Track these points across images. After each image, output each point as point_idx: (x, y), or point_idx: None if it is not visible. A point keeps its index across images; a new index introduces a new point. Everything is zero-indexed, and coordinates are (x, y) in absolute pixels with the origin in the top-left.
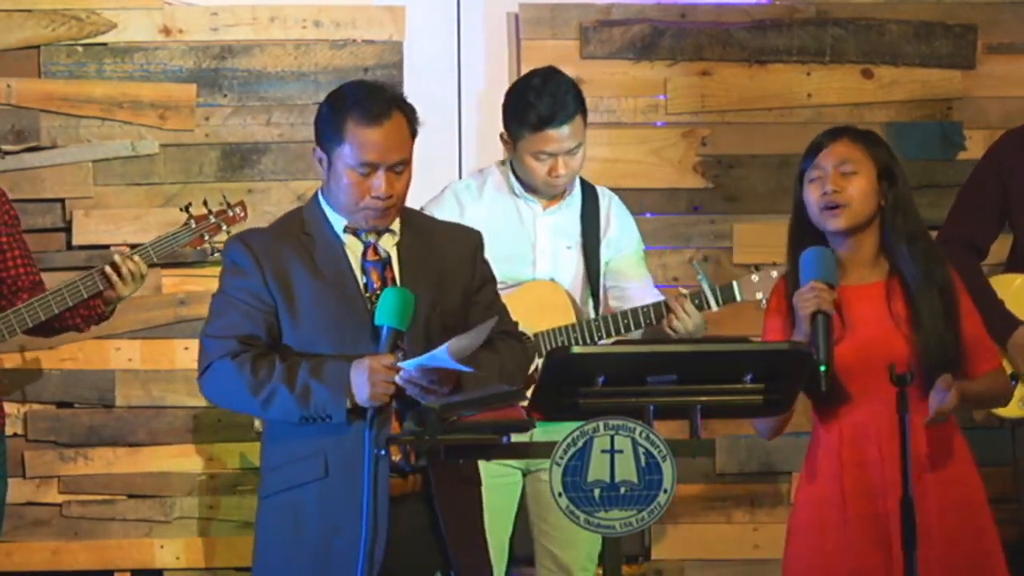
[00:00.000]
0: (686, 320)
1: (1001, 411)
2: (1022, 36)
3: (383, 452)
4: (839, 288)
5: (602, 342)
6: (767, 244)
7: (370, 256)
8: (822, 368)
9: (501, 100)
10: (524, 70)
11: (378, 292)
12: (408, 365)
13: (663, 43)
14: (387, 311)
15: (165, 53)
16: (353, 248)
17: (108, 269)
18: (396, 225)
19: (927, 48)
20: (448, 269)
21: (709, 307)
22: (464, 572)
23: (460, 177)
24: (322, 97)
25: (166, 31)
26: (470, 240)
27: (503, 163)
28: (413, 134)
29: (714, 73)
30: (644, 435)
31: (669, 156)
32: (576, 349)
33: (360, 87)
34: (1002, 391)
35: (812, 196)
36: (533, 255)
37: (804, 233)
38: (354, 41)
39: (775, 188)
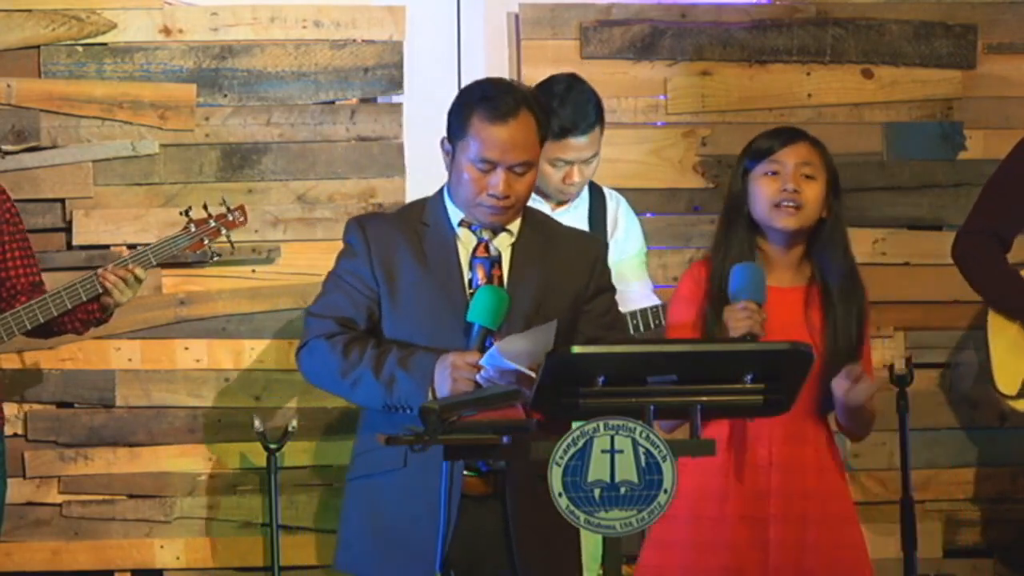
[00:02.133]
0: None
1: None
2: (1022, 36)
3: None
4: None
5: None
6: None
7: (480, 252)
8: None
9: None
10: (524, 70)
11: None
12: (484, 362)
13: (663, 43)
14: (479, 309)
15: (165, 53)
16: (466, 242)
17: (107, 275)
18: (516, 225)
19: (927, 48)
20: (560, 275)
21: None
22: None
23: None
24: (322, 97)
25: (166, 31)
26: (591, 249)
27: None
28: (542, 138)
29: (714, 73)
30: (644, 435)
31: (669, 156)
32: (576, 349)
33: (490, 84)
34: (871, 424)
35: (766, 190)
36: None
37: (739, 224)
38: (354, 41)
39: None
